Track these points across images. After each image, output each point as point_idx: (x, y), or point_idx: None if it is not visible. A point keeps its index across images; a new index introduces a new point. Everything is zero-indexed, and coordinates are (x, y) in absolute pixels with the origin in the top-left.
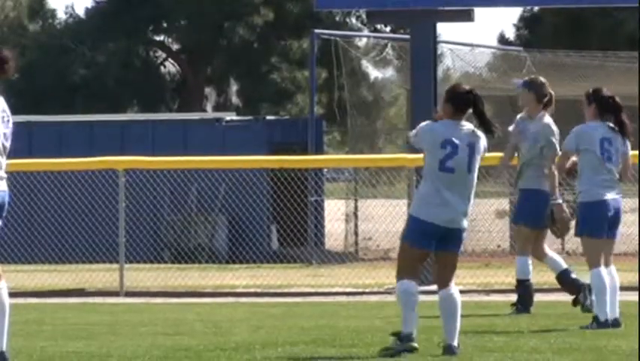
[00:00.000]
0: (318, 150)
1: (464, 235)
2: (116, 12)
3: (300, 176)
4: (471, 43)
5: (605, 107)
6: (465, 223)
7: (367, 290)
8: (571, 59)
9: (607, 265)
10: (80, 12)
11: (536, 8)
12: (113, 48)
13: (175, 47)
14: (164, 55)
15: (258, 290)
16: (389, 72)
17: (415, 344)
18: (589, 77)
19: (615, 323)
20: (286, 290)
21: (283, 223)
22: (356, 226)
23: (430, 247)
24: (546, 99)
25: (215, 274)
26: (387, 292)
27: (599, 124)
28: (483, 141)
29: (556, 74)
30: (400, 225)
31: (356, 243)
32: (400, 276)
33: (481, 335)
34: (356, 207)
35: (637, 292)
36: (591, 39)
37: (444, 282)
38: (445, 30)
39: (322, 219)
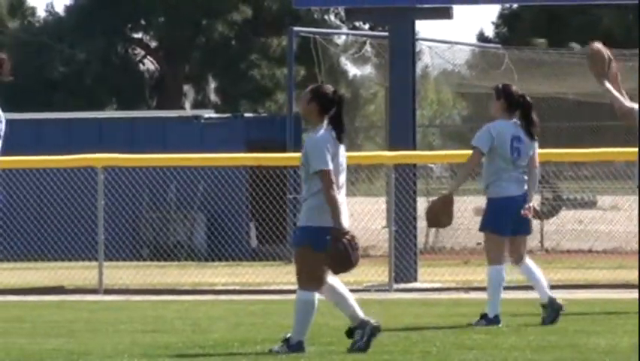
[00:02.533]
0: (297, 148)
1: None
2: (95, 10)
3: (279, 173)
4: (449, 40)
5: (515, 104)
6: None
7: (346, 288)
8: (549, 56)
9: (521, 260)
10: (60, 10)
11: (515, 5)
12: (92, 46)
13: (153, 44)
14: (142, 52)
15: (237, 288)
16: (368, 69)
17: None
18: (567, 74)
19: (554, 304)
20: (265, 288)
21: (262, 221)
22: None
23: None
24: None
25: (194, 271)
26: (366, 290)
27: (509, 122)
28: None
29: (534, 72)
30: (379, 222)
31: None
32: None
33: (460, 332)
34: None
35: (614, 291)
36: (569, 36)
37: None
38: (424, 28)
39: None
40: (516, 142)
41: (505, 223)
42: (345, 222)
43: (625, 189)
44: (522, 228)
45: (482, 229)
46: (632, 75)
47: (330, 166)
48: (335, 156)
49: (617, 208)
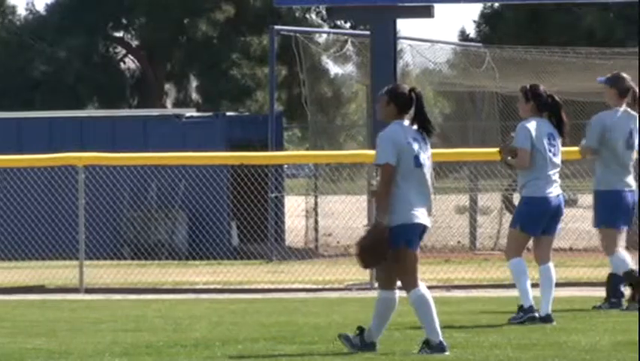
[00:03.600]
0: (278, 147)
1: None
2: (76, 9)
3: (261, 172)
4: (431, 39)
5: (544, 105)
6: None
7: (327, 286)
8: (530, 55)
9: (547, 260)
10: (41, 8)
11: (497, 4)
12: (73, 44)
13: (134, 43)
14: (123, 51)
15: (218, 287)
16: (349, 68)
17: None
18: (548, 73)
19: (548, 319)
20: (246, 287)
21: (243, 220)
22: (316, 222)
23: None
24: (629, 93)
25: (175, 270)
26: (348, 289)
27: (542, 120)
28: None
29: (515, 70)
30: (360, 221)
31: (316, 239)
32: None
33: (442, 330)
34: (316, 204)
35: (595, 289)
36: (551, 35)
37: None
38: (405, 26)
39: (282, 216)
40: (552, 140)
41: (538, 223)
42: (426, 219)
43: None
44: (549, 228)
45: (513, 225)
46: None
47: (391, 161)
48: (407, 153)
49: None
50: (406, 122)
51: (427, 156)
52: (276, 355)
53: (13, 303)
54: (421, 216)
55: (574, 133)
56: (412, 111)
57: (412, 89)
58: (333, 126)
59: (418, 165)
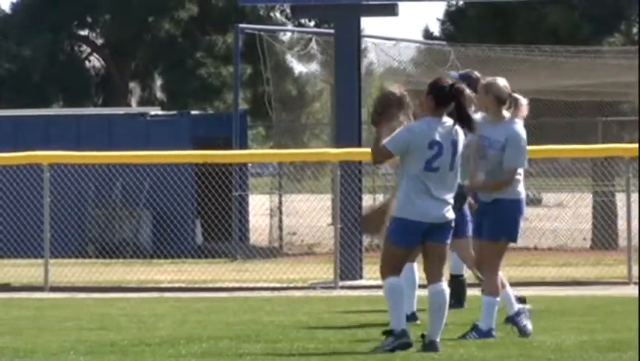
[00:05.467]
0: (242, 145)
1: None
2: (41, 7)
3: (225, 171)
4: (395, 37)
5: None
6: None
7: (292, 285)
8: (495, 53)
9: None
10: (6, 7)
11: (461, 2)
12: (38, 43)
13: (99, 41)
14: (88, 49)
15: (183, 285)
16: (313, 67)
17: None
18: (513, 71)
19: (412, 318)
20: (211, 285)
21: (208, 218)
22: (280, 220)
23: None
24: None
25: (140, 269)
26: (312, 287)
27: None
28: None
29: (480, 68)
30: (324, 219)
31: (280, 238)
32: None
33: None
34: (280, 202)
35: (559, 288)
36: (516, 33)
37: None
38: (370, 25)
39: (247, 214)
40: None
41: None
42: (427, 218)
43: (570, 187)
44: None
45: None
46: (576, 72)
47: (393, 150)
48: (420, 154)
49: (562, 206)
50: (445, 119)
51: (449, 158)
52: (241, 353)
53: None
54: (423, 213)
55: (538, 132)
56: (451, 107)
57: (452, 85)
58: (297, 125)
59: (429, 169)
